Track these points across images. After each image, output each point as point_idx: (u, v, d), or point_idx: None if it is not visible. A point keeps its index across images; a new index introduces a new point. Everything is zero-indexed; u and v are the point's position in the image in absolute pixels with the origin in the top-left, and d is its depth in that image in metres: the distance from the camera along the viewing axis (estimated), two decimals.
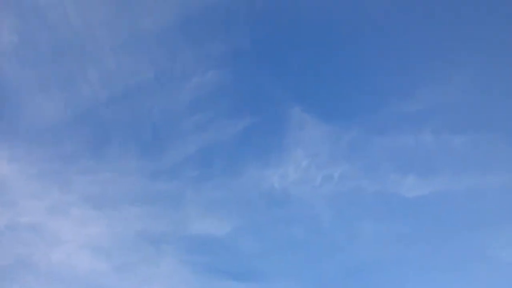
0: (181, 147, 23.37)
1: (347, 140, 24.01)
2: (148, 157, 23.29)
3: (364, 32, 24.60)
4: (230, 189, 23.45)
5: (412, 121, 23.97)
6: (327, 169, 23.40)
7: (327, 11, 24.30)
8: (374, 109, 24.45)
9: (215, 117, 23.54)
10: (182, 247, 22.36)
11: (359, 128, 24.36)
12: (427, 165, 23.35)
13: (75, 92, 22.88)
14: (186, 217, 22.78)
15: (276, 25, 24.43)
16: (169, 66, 23.99)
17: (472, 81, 24.29)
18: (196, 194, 23.11)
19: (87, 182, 22.35)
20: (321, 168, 23.44)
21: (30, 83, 22.62)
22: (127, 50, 23.49)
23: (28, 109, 22.54)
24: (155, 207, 22.81)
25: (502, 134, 23.18)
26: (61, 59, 22.95)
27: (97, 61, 23.24)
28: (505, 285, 21.73)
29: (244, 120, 23.98)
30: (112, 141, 23.02)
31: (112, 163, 22.76)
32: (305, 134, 23.92)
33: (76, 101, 22.87)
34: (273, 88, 24.62)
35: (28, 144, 22.24)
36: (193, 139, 23.45)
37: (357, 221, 23.55)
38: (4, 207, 21.51)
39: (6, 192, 21.65)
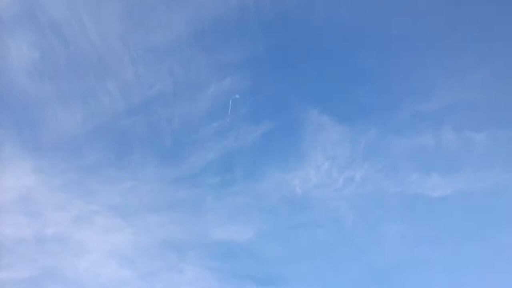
0: (201, 154, 23.60)
1: (366, 141, 23.96)
2: (168, 165, 23.56)
3: (380, 34, 24.65)
4: (251, 195, 23.54)
5: (431, 120, 23.83)
6: (347, 171, 23.35)
7: (341, 15, 24.46)
8: (392, 109, 24.41)
9: (233, 124, 23.76)
10: (205, 254, 22.44)
11: (378, 129, 24.31)
12: (448, 164, 23.14)
13: (95, 104, 23.32)
14: (208, 223, 22.89)
15: (290, 30, 24.66)
16: (186, 75, 24.34)
17: (490, 78, 24.11)
18: (217, 200, 23.25)
19: (110, 191, 22.65)
20: (342, 171, 23.40)
21: (51, 96, 23.13)
22: (145, 61, 23.92)
23: (50, 122, 23.04)
24: (177, 215, 22.98)
25: None
26: (80, 72, 23.44)
27: (116, 73, 23.70)
28: None
29: (263, 125, 24.16)
30: (133, 150, 23.38)
31: (134, 172, 23.07)
32: (324, 136, 23.96)
33: (97, 112, 23.31)
34: (290, 93, 24.77)
35: (51, 155, 22.68)
36: (212, 146, 23.68)
37: (380, 222, 23.38)
38: (30, 218, 21.89)
39: (32, 203, 22.04)
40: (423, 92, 24.58)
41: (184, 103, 24.16)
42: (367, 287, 22.47)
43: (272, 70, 25.14)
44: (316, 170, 23.64)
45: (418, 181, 23.15)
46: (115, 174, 23.19)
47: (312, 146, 24.15)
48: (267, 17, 24.36)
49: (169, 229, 22.85)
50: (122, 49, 23.54)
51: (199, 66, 24.28)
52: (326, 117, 24.30)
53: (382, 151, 24.08)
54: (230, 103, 22.14)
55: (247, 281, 22.05)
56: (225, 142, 23.90)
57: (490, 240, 22.62)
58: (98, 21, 23.33)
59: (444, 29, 24.54)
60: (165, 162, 23.92)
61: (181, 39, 23.89)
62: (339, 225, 23.15)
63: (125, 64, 23.81)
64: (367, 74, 25.07)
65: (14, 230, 21.52)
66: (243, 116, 24.32)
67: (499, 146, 23.19)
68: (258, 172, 24.15)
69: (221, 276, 22.10)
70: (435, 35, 24.73)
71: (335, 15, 24.29)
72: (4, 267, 20.39)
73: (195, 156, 23.96)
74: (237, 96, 22.35)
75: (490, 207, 22.87)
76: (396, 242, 22.98)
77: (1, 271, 20.56)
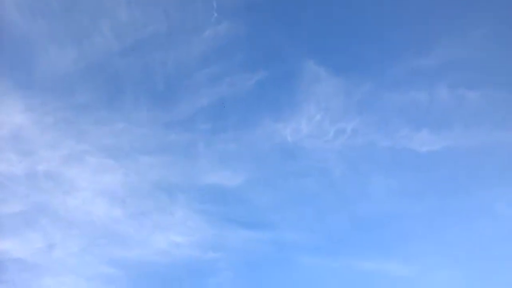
0: (194, 99, 23.46)
1: (360, 94, 23.94)
2: (161, 108, 23.45)
3: None
4: (242, 142, 23.67)
5: (427, 76, 23.77)
6: (339, 123, 23.46)
7: None
8: (388, 64, 24.25)
9: (228, 70, 23.50)
10: (196, 197, 22.83)
11: (373, 82, 24.23)
12: (440, 120, 23.31)
13: (88, 43, 22.85)
14: (199, 168, 23.12)
15: None
16: (181, 18, 23.77)
17: (488, 36, 23.88)
18: (208, 146, 23.36)
19: (102, 132, 22.64)
20: (334, 122, 23.50)
21: (43, 35, 22.57)
22: (139, 1, 23.27)
23: (42, 60, 22.61)
24: (169, 158, 23.14)
25: None
26: (73, 11, 22.82)
27: (110, 12, 23.08)
28: (509, 241, 22.07)
29: (257, 73, 23.93)
30: (125, 92, 23.16)
31: (126, 114, 22.96)
32: (318, 87, 23.86)
33: (89, 52, 22.88)
34: (286, 42, 24.41)
35: (42, 94, 22.44)
36: (206, 91, 23.52)
37: (368, 175, 23.78)
38: (21, 156, 21.93)
39: (23, 141, 22.02)
40: (422, 48, 24.34)
41: (178, 46, 23.74)
42: (352, 236, 23.21)
43: (270, 18, 24.62)
44: (308, 121, 23.72)
45: (408, 136, 23.40)
46: (107, 115, 23.11)
47: (306, 97, 24.11)
48: None
49: (160, 171, 23.11)
50: None
51: (195, 9, 23.67)
52: (321, 69, 24.11)
53: (375, 105, 24.14)
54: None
55: (236, 225, 22.62)
56: (218, 88, 23.75)
57: (475, 197, 23.20)
58: None
59: None
60: (157, 105, 23.82)
61: None
62: (327, 175, 23.55)
63: (119, 3, 23.17)
64: (366, 27, 24.69)
65: (5, 166, 21.61)
66: (238, 63, 24.04)
67: (491, 105, 23.35)
68: (251, 120, 24.18)
69: (210, 219, 22.62)
70: None
71: None
72: None
73: (188, 101, 23.86)
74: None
75: (477, 164, 23.31)
76: (382, 194, 23.50)
77: None
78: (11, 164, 21.62)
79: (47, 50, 22.38)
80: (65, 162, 22.02)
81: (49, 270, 20.77)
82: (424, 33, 24.23)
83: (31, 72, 22.35)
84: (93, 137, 22.28)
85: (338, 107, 23.57)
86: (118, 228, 21.60)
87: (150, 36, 23.16)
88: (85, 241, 21.40)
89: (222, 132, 23.52)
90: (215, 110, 23.67)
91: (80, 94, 22.63)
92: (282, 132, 23.54)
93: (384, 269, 21.95)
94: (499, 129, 23.05)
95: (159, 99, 23.37)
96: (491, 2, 23.79)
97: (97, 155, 22.23)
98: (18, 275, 20.45)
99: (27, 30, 22.13)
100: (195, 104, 23.29)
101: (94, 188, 21.95)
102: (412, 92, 23.62)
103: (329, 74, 23.98)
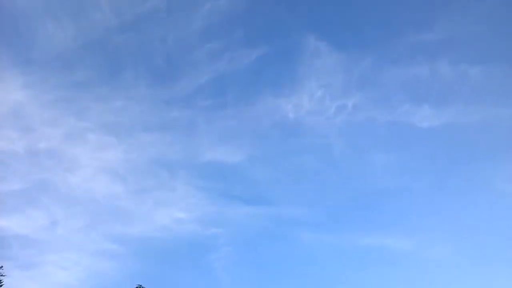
0: (194, 76, 23.35)
1: (361, 70, 23.84)
2: (160, 85, 23.33)
3: None
4: (243, 119, 23.65)
5: (429, 51, 23.67)
6: (340, 100, 23.43)
7: None
8: (390, 39, 24.10)
9: (228, 46, 23.30)
10: (196, 174, 22.93)
11: (374, 58, 24.11)
12: (441, 96, 23.33)
13: (86, 20, 22.57)
14: (199, 145, 23.17)
15: None
16: None
17: (491, 11, 23.69)
18: (209, 123, 23.37)
19: (102, 109, 22.58)
20: (335, 99, 23.46)
21: (41, 11, 22.26)
22: None
23: (40, 37, 22.36)
24: (169, 135, 23.16)
25: None
26: None
27: None
28: (506, 216, 22.33)
29: (258, 49, 23.75)
30: (124, 68, 23.01)
31: (125, 91, 22.87)
32: (319, 63, 23.74)
33: (88, 28, 22.61)
34: (287, 16, 24.15)
35: (41, 71, 22.27)
36: (205, 68, 23.39)
37: (368, 151, 23.88)
38: (21, 133, 21.90)
39: (23, 118, 21.96)
40: (424, 23, 24.17)
41: (178, 22, 23.49)
42: (352, 211, 23.42)
43: None
44: (309, 97, 23.71)
45: (409, 112, 23.46)
46: (107, 92, 23.01)
47: (307, 73, 24.03)
48: None
49: (160, 148, 23.16)
50: None
51: None
52: (322, 44, 23.96)
53: (376, 81, 24.10)
54: None
55: (236, 201, 22.83)
56: (219, 64, 23.62)
57: (474, 172, 23.39)
58: None
59: None
60: (157, 82, 23.71)
61: None
62: (328, 151, 23.68)
63: None
64: (367, 1, 24.43)
65: (5, 144, 21.59)
66: (238, 39, 23.86)
67: (492, 81, 23.34)
68: (251, 96, 24.15)
69: (211, 195, 22.81)
70: None
71: None
72: None
73: (188, 78, 23.74)
74: None
75: (476, 140, 23.45)
76: (382, 170, 23.69)
77: None
78: (11, 142, 21.62)
79: (45, 26, 22.12)
80: (66, 139, 22.03)
81: (53, 246, 20.99)
82: (425, 8, 24.03)
83: (30, 49, 22.14)
84: (93, 114, 22.26)
85: (339, 83, 23.55)
86: (120, 204, 21.79)
87: (149, 12, 22.91)
88: (88, 218, 21.58)
89: (222, 109, 23.53)
90: (215, 87, 23.62)
91: (80, 71, 22.51)
92: (283, 109, 23.58)
93: (384, 244, 22.28)
94: (499, 106, 23.12)
95: (158, 76, 23.27)
96: None
97: (98, 132, 22.22)
98: (22, 251, 20.67)
99: (25, 7, 21.84)
100: (195, 81, 23.21)
101: (95, 165, 22.02)
102: (414, 68, 23.59)
103: (330, 49, 23.87)
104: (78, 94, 22.65)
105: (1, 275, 19.47)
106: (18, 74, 22.21)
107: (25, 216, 21.28)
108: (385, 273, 22.62)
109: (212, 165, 23.49)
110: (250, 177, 23.61)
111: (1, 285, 19.65)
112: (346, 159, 24.07)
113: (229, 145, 23.80)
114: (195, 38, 23.51)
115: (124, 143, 22.86)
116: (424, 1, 24.10)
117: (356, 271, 21.95)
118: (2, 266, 19.41)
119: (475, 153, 23.90)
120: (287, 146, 24.10)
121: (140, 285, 23.27)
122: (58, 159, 22.25)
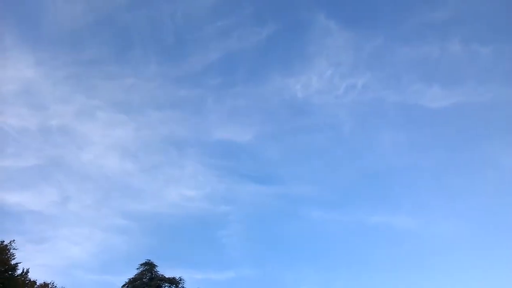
0: (203, 53, 23.36)
1: (371, 48, 23.75)
2: (170, 63, 23.39)
3: None
4: (252, 97, 23.73)
5: (439, 30, 23.51)
6: (350, 79, 23.43)
7: None
8: (400, 17, 23.88)
9: (238, 24, 23.20)
10: (205, 152, 23.18)
11: (384, 36, 23.99)
12: (451, 76, 23.29)
13: None
14: (209, 123, 23.35)
15: None
16: None
17: None
18: (218, 101, 23.49)
19: (112, 87, 22.75)
20: (344, 78, 23.47)
21: None
22: None
23: (50, 14, 22.39)
24: (179, 113, 23.34)
25: None
26: None
27: None
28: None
29: (268, 27, 23.63)
30: (134, 46, 23.03)
31: (135, 69, 22.95)
32: (329, 42, 23.64)
33: (97, 5, 22.56)
34: None
35: (52, 48, 22.39)
36: (215, 45, 23.36)
37: (377, 130, 24.01)
38: (33, 110, 22.19)
39: (34, 95, 22.21)
40: (434, 1, 23.95)
41: None
42: (360, 190, 23.69)
43: None
44: (319, 76, 23.71)
45: (419, 92, 23.47)
46: (117, 70, 23.14)
47: (317, 51, 23.97)
48: None
49: (170, 126, 23.37)
50: None
51: None
52: (332, 22, 23.87)
53: (386, 60, 24.05)
54: None
55: (245, 179, 23.12)
56: (228, 42, 23.60)
57: (481, 151, 23.53)
58: None
59: None
60: (167, 60, 23.78)
61: None
62: (337, 130, 23.81)
63: None
64: None
65: (17, 120, 21.90)
66: (247, 16, 23.77)
67: (503, 60, 23.24)
68: (260, 75, 24.18)
69: (220, 173, 23.11)
70: None
71: None
72: (9, 156, 21.03)
73: (198, 55, 23.79)
74: None
75: (485, 120, 23.54)
76: (390, 149, 23.87)
77: (7, 159, 21.23)
78: (23, 118, 21.90)
79: (55, 4, 22.11)
80: (77, 116, 22.27)
81: (65, 221, 21.47)
82: None
83: (40, 26, 22.19)
84: (104, 92, 22.42)
85: (348, 62, 23.46)
86: (131, 181, 22.13)
87: None
88: (99, 194, 21.99)
89: (232, 87, 23.58)
90: (225, 65, 23.57)
91: (89, 48, 22.57)
92: (292, 88, 23.60)
93: (391, 222, 22.59)
94: (509, 86, 23.03)
95: (168, 54, 23.28)
96: None
97: (108, 110, 22.44)
98: (34, 226, 21.13)
99: None
100: (205, 59, 23.22)
101: (106, 143, 22.29)
102: (424, 47, 23.46)
103: (340, 28, 23.72)
104: (88, 71, 22.84)
105: (14, 249, 20.01)
106: (28, 51, 22.41)
107: (38, 192, 21.73)
108: (392, 251, 22.98)
109: (221, 143, 23.74)
110: (259, 155, 23.86)
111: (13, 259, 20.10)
112: (355, 138, 24.24)
113: (238, 123, 23.99)
114: (204, 15, 23.49)
115: (134, 120, 23.12)
116: None
117: (364, 248, 22.33)
118: (14, 240, 19.93)
119: (483, 131, 24.04)
120: (296, 125, 24.27)
121: (149, 260, 23.82)
122: (70, 136, 22.57)
